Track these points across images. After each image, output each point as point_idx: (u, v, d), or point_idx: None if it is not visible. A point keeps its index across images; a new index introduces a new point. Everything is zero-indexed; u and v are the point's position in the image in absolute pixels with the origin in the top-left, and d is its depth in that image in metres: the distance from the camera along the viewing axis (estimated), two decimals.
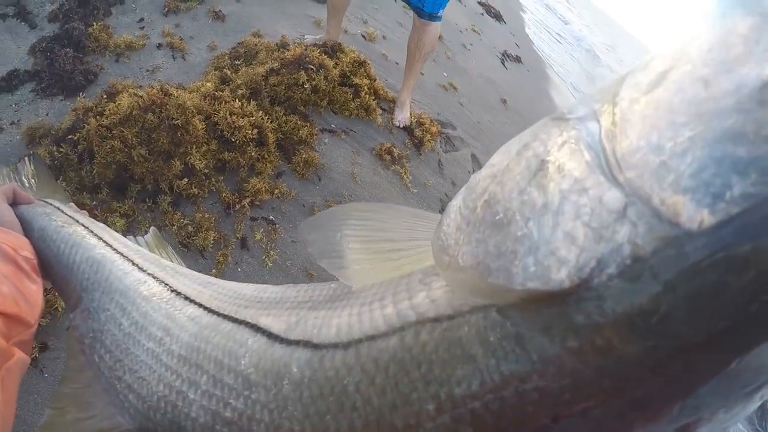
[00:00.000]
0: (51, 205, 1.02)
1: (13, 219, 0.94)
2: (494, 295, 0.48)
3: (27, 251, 0.86)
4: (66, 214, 0.99)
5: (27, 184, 1.23)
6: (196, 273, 0.87)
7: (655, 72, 0.47)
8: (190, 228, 2.45)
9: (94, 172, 2.47)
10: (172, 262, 0.95)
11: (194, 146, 2.60)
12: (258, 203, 2.66)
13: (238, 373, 0.63)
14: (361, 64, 3.49)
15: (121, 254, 0.88)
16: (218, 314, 0.71)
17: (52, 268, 0.91)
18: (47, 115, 2.80)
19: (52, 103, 2.87)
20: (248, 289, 0.77)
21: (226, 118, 2.70)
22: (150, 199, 2.50)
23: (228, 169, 2.71)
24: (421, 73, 3.75)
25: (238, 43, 3.44)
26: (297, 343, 0.60)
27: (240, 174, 2.71)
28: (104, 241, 0.91)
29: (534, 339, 0.45)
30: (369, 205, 0.67)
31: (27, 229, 0.95)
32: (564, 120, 0.51)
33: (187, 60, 3.30)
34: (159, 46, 3.33)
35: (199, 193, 2.56)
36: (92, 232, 0.94)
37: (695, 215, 0.40)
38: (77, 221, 0.97)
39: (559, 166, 0.47)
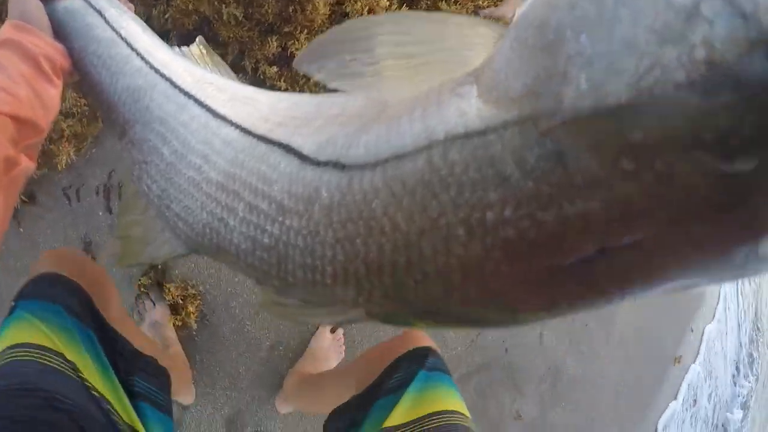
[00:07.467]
0: (91, 6, 0.88)
1: (42, 18, 0.82)
2: (539, 116, 0.39)
3: (50, 50, 0.79)
4: (108, 23, 0.87)
5: None
6: (238, 87, 0.81)
7: None
8: None
9: (168, 15, 1.82)
10: (217, 72, 0.90)
11: (305, 31, 1.88)
12: None
13: (272, 198, 0.61)
14: None
15: (164, 76, 0.81)
16: (253, 135, 0.68)
17: (94, 95, 0.86)
18: None
19: None
20: (284, 102, 0.72)
21: (361, 13, 1.96)
22: None
23: None
24: None
25: None
26: (326, 164, 0.56)
27: None
28: (147, 62, 0.83)
29: (579, 159, 0.38)
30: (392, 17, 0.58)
31: (61, 35, 0.86)
32: None
33: None
34: None
35: (286, 89, 1.84)
36: (136, 51, 0.84)
37: None
38: (120, 35, 0.86)
39: None
